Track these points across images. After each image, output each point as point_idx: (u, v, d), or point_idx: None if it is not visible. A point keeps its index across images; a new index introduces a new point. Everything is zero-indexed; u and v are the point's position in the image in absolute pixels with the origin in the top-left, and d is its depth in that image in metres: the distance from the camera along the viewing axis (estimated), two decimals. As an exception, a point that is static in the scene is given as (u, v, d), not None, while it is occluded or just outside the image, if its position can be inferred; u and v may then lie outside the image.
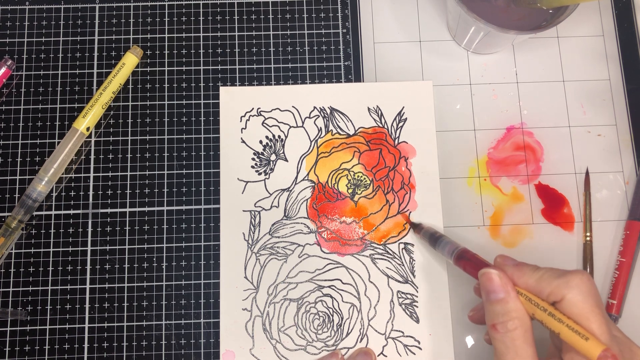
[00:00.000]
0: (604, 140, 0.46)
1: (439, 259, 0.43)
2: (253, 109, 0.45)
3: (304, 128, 0.45)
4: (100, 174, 0.44)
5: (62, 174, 0.44)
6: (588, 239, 0.43)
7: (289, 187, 0.44)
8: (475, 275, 0.35)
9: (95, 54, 0.47)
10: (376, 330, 0.42)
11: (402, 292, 0.42)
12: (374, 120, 0.45)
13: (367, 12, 0.48)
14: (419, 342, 0.42)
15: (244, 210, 0.43)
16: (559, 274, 0.32)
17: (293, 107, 0.45)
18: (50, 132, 0.45)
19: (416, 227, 0.43)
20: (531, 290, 0.32)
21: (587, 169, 0.45)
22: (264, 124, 0.45)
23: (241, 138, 0.45)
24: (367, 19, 0.48)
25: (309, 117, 0.45)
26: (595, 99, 0.47)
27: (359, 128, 0.45)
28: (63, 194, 0.44)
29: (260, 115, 0.45)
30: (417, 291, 0.42)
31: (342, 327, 0.42)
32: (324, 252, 0.43)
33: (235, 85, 0.46)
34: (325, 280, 0.42)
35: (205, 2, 0.48)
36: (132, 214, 0.44)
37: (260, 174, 0.44)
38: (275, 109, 0.45)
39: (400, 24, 0.48)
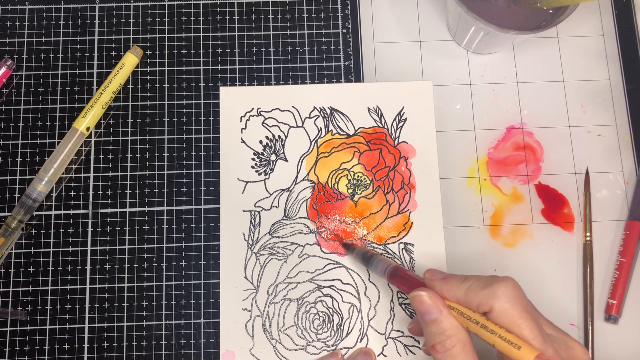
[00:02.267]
0: (604, 140, 0.46)
1: (439, 259, 0.43)
2: (253, 109, 0.45)
3: (304, 128, 0.45)
4: (100, 174, 0.44)
5: (62, 174, 0.44)
6: (588, 239, 0.43)
7: (289, 187, 0.44)
8: (409, 292, 0.35)
9: (95, 54, 0.47)
10: (376, 330, 0.42)
11: (402, 292, 0.42)
12: (374, 120, 0.45)
13: (367, 12, 0.48)
14: (419, 342, 0.42)
15: (244, 210, 0.43)
16: (485, 284, 0.31)
17: (293, 107, 0.45)
18: (50, 132, 0.45)
19: (348, 248, 0.42)
20: (461, 302, 0.32)
21: (587, 169, 0.45)
22: (264, 124, 0.45)
23: (241, 138, 0.45)
24: (367, 19, 0.48)
25: (309, 117, 0.45)
26: (595, 99, 0.47)
27: (359, 128, 0.45)
28: (63, 194, 0.44)
29: (260, 115, 0.45)
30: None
31: (342, 327, 0.42)
32: (324, 252, 0.43)
33: (235, 85, 0.46)
34: (325, 280, 0.42)
35: (205, 2, 0.48)
36: (132, 214, 0.44)
37: (260, 174, 0.44)
38: (275, 109, 0.45)
39: (400, 24, 0.48)
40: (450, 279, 0.33)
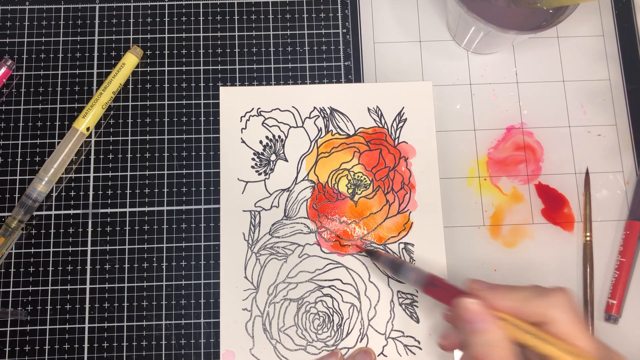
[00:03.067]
0: (604, 140, 0.46)
1: (439, 259, 0.43)
2: (253, 109, 0.45)
3: (304, 128, 0.45)
4: (100, 174, 0.44)
5: (62, 174, 0.44)
6: (588, 239, 0.43)
7: (289, 187, 0.44)
8: (447, 302, 0.34)
9: (95, 54, 0.47)
10: (376, 330, 0.42)
11: (402, 292, 0.42)
12: (374, 120, 0.45)
13: (367, 12, 0.48)
14: (419, 342, 0.42)
15: (244, 210, 0.43)
16: (538, 293, 0.30)
17: (293, 107, 0.45)
18: (50, 132, 0.45)
19: (372, 255, 0.41)
20: (511, 312, 0.31)
21: (587, 169, 0.45)
22: (264, 124, 0.45)
23: (241, 138, 0.45)
24: (367, 19, 0.48)
25: (309, 117, 0.45)
26: (595, 99, 0.47)
27: (359, 128, 0.45)
28: (63, 194, 0.44)
29: (260, 115, 0.45)
30: (417, 291, 0.42)
31: (342, 327, 0.42)
32: (324, 252, 0.43)
33: (235, 85, 0.46)
34: (325, 280, 0.42)
35: (205, 2, 0.48)
36: (132, 214, 0.44)
37: (260, 174, 0.44)
38: (275, 109, 0.45)
39: (400, 24, 0.48)
40: (499, 288, 0.32)
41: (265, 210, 0.43)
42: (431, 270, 0.42)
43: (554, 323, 0.30)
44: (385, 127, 0.45)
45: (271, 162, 0.44)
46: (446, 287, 0.34)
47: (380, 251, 0.41)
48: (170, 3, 0.48)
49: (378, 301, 0.42)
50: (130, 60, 0.45)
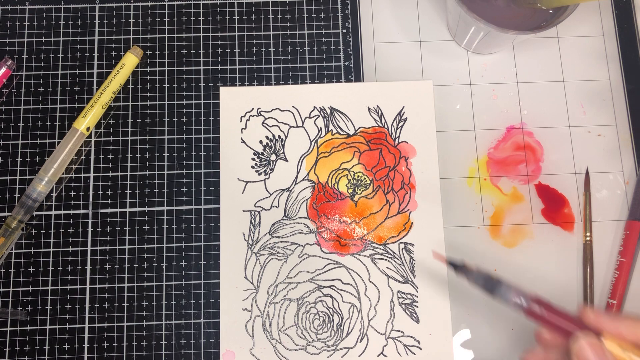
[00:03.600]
0: (604, 140, 0.46)
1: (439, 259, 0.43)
2: (253, 109, 0.45)
3: (304, 128, 0.45)
4: (100, 174, 0.44)
5: (62, 174, 0.44)
6: (588, 239, 0.43)
7: (289, 187, 0.44)
8: (555, 329, 0.31)
9: (95, 54, 0.47)
10: (376, 330, 0.42)
11: (402, 292, 0.42)
12: (374, 120, 0.45)
13: (367, 12, 0.48)
14: (419, 342, 0.42)
15: (244, 210, 0.43)
16: None
17: (293, 107, 0.45)
18: (50, 132, 0.45)
19: (458, 269, 0.36)
20: (638, 345, 0.29)
21: (587, 168, 0.45)
22: (264, 124, 0.45)
23: (241, 138, 0.45)
24: (367, 19, 0.48)
25: (309, 117, 0.45)
26: (595, 99, 0.47)
27: (359, 128, 0.45)
28: (63, 194, 0.44)
29: (260, 115, 0.45)
30: (417, 291, 0.42)
31: (342, 327, 0.42)
32: (324, 252, 0.43)
33: (235, 85, 0.46)
34: (325, 280, 0.42)
35: (205, 2, 0.48)
36: (132, 214, 0.44)
37: (260, 174, 0.44)
38: (275, 109, 0.45)
39: (400, 24, 0.48)
40: (623, 320, 0.29)
41: (265, 210, 0.43)
42: (431, 269, 0.43)
43: None
44: (386, 126, 0.45)
45: (271, 162, 0.44)
46: (557, 314, 0.32)
47: (471, 266, 0.35)
48: (170, 3, 0.48)
49: (378, 301, 0.42)
50: (130, 60, 0.45)
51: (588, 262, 0.43)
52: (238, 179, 0.44)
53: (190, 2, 0.48)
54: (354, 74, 0.47)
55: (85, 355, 0.42)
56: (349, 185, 0.44)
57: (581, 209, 0.45)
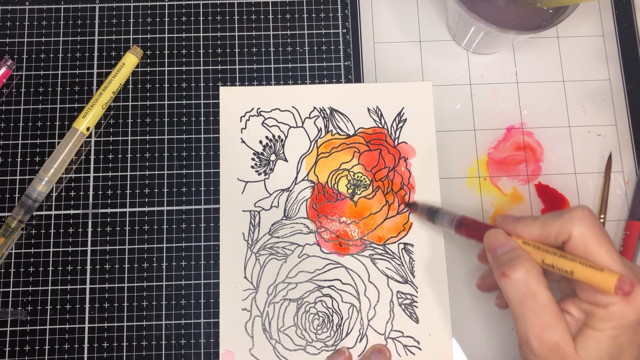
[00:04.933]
0: (604, 140, 0.46)
1: (438, 259, 0.43)
2: (253, 109, 0.45)
3: (304, 128, 0.45)
4: (100, 174, 0.44)
5: (62, 174, 0.44)
6: (602, 220, 0.44)
7: (288, 187, 0.44)
8: (477, 238, 0.36)
9: (95, 54, 0.47)
10: (376, 331, 0.42)
11: (402, 293, 0.42)
12: (374, 120, 0.45)
13: (367, 12, 0.48)
14: (418, 342, 0.42)
15: (243, 210, 0.43)
16: (559, 214, 0.32)
17: (293, 107, 0.45)
18: (50, 132, 0.45)
19: (412, 207, 0.43)
20: (537, 238, 0.33)
21: (610, 153, 0.45)
22: (264, 124, 0.45)
23: (241, 138, 0.45)
24: (367, 19, 0.48)
25: (309, 118, 0.45)
26: (595, 99, 0.47)
27: (359, 128, 0.45)
28: (63, 194, 0.44)
29: (260, 115, 0.45)
30: (417, 291, 0.42)
31: (341, 327, 0.42)
32: (324, 252, 0.43)
33: (235, 85, 0.46)
34: (325, 280, 0.42)
35: (205, 2, 0.48)
36: (132, 214, 0.44)
37: (260, 174, 0.44)
38: (275, 109, 0.45)
39: (400, 24, 0.48)
40: (523, 218, 0.34)
41: (265, 210, 0.43)
42: (431, 269, 0.43)
43: (576, 238, 0.31)
44: (385, 127, 0.45)
45: (271, 162, 0.44)
46: (476, 225, 0.37)
47: (417, 202, 0.43)
48: (170, 3, 0.48)
49: (378, 301, 0.42)
50: (130, 60, 0.45)
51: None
52: (238, 179, 0.44)
53: (190, 2, 0.48)
54: (354, 73, 0.47)
55: (85, 355, 0.42)
56: (348, 185, 0.44)
57: (599, 192, 0.45)
